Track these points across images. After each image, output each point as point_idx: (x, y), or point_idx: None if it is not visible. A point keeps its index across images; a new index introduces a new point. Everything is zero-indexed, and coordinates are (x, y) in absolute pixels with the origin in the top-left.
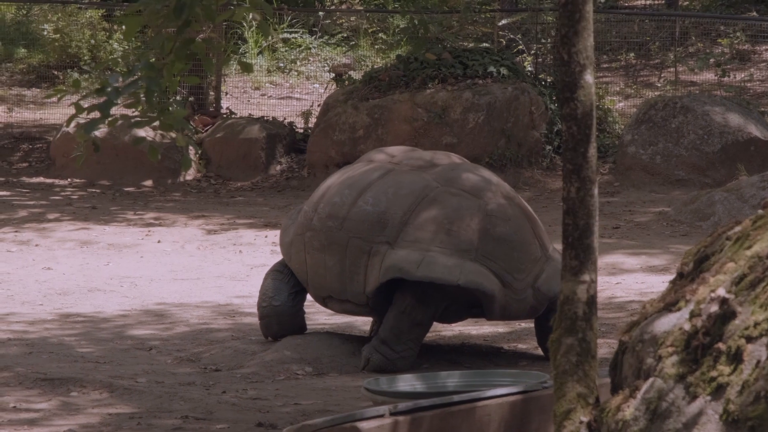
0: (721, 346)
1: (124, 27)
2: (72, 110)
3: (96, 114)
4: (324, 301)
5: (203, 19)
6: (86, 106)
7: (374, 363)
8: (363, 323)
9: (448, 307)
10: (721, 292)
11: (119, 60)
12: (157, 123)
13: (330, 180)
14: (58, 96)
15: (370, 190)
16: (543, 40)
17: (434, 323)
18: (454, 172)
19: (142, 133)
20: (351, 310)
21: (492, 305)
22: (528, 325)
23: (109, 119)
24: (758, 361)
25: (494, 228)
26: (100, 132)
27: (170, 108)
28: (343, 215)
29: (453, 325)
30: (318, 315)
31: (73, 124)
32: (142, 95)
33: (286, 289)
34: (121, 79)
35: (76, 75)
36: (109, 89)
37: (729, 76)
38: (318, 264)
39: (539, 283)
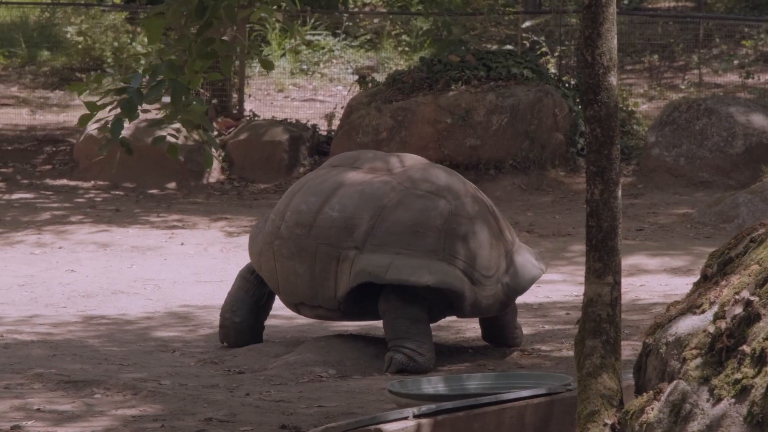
0: (746, 348)
1: (147, 32)
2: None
3: (117, 113)
4: (296, 307)
5: (225, 20)
6: (106, 106)
7: (396, 362)
8: None
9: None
10: (746, 294)
11: (141, 61)
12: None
13: (295, 187)
14: (80, 91)
15: (336, 196)
16: (566, 42)
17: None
18: (418, 173)
19: (163, 132)
20: (324, 316)
21: (462, 303)
22: (551, 327)
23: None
24: None
25: (459, 227)
26: (124, 134)
27: (191, 104)
28: (309, 222)
29: (476, 326)
30: None
31: (94, 126)
32: (163, 99)
33: (249, 303)
34: (144, 81)
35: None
36: (131, 90)
37: (753, 78)
38: (288, 272)
39: (508, 278)
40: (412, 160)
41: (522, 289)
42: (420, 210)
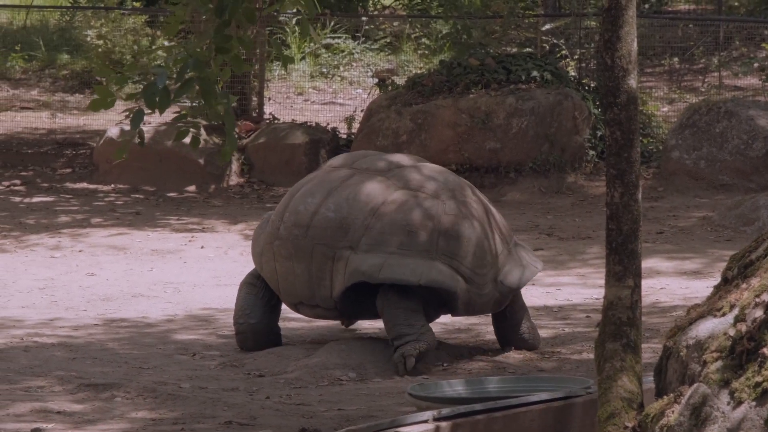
0: (766, 351)
1: (166, 26)
2: (116, 116)
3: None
4: (296, 307)
5: (244, 21)
6: (128, 107)
7: (407, 352)
8: None
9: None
10: (766, 297)
11: (160, 61)
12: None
13: (294, 188)
14: (113, 83)
15: (332, 197)
16: (586, 45)
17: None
18: (413, 173)
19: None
20: (322, 315)
21: (455, 302)
22: (572, 329)
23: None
24: None
25: (453, 226)
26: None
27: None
28: (306, 223)
29: None
30: (360, 321)
31: (116, 131)
32: (189, 101)
33: (260, 305)
34: (170, 81)
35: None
36: (155, 87)
37: None
38: (287, 272)
39: (502, 277)
40: (409, 160)
41: (517, 288)
42: (414, 209)
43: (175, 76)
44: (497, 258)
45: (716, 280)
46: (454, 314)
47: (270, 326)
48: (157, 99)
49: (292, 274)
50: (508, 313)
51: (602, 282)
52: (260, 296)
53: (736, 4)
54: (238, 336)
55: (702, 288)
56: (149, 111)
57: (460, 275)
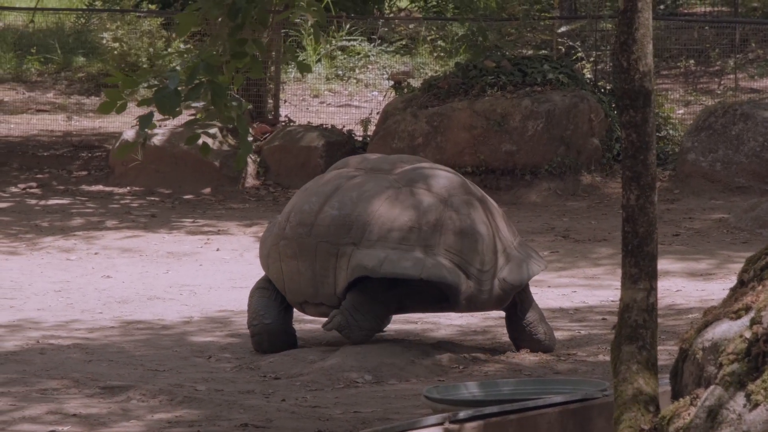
0: None
1: (179, 26)
2: (132, 119)
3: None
4: (301, 306)
5: (257, 24)
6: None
7: (336, 322)
8: (422, 330)
9: (414, 297)
10: None
11: (176, 64)
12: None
13: (301, 189)
14: (116, 98)
15: (336, 196)
16: (602, 47)
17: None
18: (416, 172)
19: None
20: (326, 313)
21: (457, 297)
22: (587, 331)
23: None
24: None
25: (456, 223)
26: (159, 140)
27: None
28: (311, 221)
29: None
30: None
31: (132, 133)
32: (199, 102)
33: (274, 306)
34: (183, 85)
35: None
36: (168, 89)
37: None
38: (292, 271)
39: (504, 274)
40: (412, 160)
41: (519, 285)
42: (416, 206)
43: (185, 79)
44: (500, 255)
45: (732, 282)
46: (455, 310)
47: (285, 326)
48: (167, 100)
49: (296, 272)
50: (520, 313)
51: (618, 284)
52: (273, 298)
53: (756, 5)
54: (254, 338)
55: (718, 290)
56: (163, 116)
57: (462, 271)
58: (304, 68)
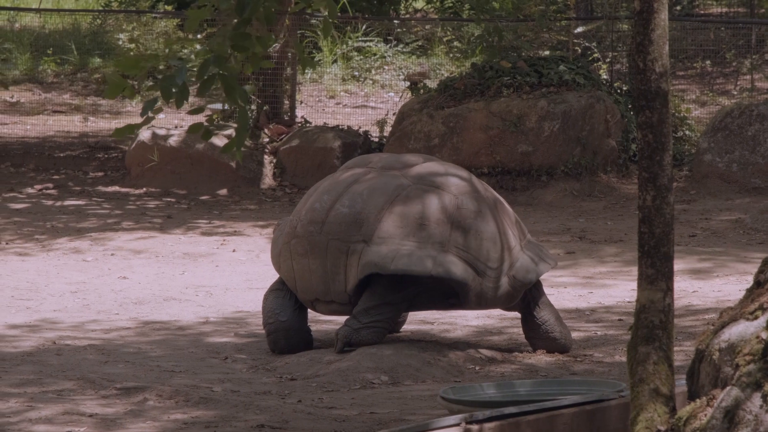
0: None
1: (188, 21)
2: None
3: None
4: (312, 304)
5: (264, 20)
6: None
7: (341, 335)
8: (439, 331)
9: (423, 295)
10: None
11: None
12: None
13: (312, 189)
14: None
15: (347, 194)
16: (618, 48)
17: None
18: (426, 170)
19: (218, 140)
20: (337, 311)
21: (467, 294)
22: (604, 332)
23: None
24: None
25: (465, 220)
26: (175, 141)
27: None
28: (322, 219)
29: None
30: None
31: (148, 134)
32: (217, 106)
33: (290, 305)
34: (193, 79)
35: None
36: (175, 82)
37: None
38: (303, 269)
39: (515, 271)
40: (423, 158)
41: (529, 282)
42: (426, 204)
43: (196, 71)
44: (509, 252)
45: (748, 283)
46: (464, 307)
47: (300, 324)
48: (175, 93)
49: (308, 270)
50: (534, 312)
51: (634, 285)
52: (288, 298)
53: None
54: (270, 337)
55: (734, 291)
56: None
57: (471, 268)
58: (309, 64)
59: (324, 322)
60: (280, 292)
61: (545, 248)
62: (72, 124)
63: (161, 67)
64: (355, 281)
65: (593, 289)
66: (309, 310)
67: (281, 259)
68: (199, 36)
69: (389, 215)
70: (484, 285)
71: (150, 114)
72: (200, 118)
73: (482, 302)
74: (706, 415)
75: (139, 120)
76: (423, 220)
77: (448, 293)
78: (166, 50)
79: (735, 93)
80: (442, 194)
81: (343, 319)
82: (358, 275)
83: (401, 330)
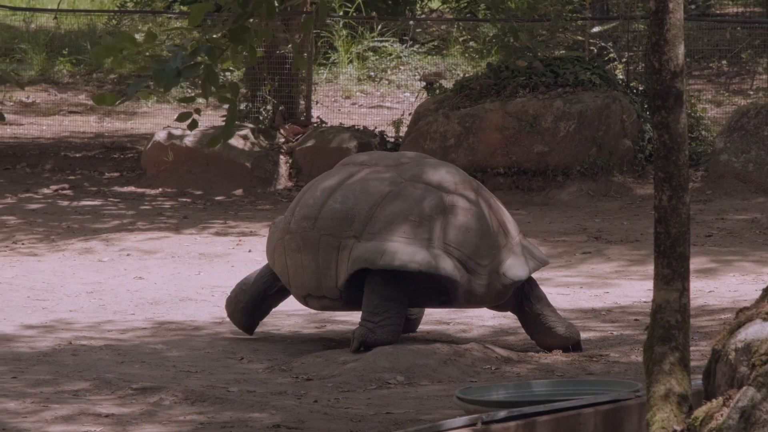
0: None
1: (191, 14)
2: (164, 120)
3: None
4: (305, 299)
5: (264, 15)
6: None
7: (357, 335)
8: (454, 331)
9: (419, 292)
10: None
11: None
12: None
13: (307, 185)
14: (111, 101)
15: (340, 190)
16: (634, 48)
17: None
18: (419, 168)
19: (234, 141)
20: (328, 306)
21: (456, 290)
22: (620, 332)
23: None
24: None
25: (456, 217)
26: (191, 141)
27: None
28: (315, 215)
29: None
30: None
31: (164, 134)
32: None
33: (257, 288)
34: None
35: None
36: (168, 65)
37: None
38: (296, 264)
39: (504, 269)
40: (417, 156)
41: (518, 280)
42: (417, 201)
43: (187, 56)
44: (500, 250)
45: (765, 283)
46: (454, 305)
47: (254, 311)
48: (165, 76)
49: (300, 266)
50: (528, 308)
51: (650, 285)
52: (264, 278)
53: None
54: (227, 301)
55: (751, 291)
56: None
57: (461, 264)
58: (302, 65)
59: (339, 322)
60: (265, 270)
61: (536, 247)
62: (87, 124)
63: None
64: (345, 276)
65: (609, 289)
66: (271, 304)
67: (275, 255)
68: (195, 33)
69: (381, 211)
70: (474, 282)
71: (191, 112)
72: (217, 116)
73: (471, 300)
74: (722, 415)
75: (157, 119)
76: (414, 217)
77: (440, 290)
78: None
79: (751, 93)
80: (433, 192)
81: (357, 318)
82: (349, 270)
83: (417, 330)
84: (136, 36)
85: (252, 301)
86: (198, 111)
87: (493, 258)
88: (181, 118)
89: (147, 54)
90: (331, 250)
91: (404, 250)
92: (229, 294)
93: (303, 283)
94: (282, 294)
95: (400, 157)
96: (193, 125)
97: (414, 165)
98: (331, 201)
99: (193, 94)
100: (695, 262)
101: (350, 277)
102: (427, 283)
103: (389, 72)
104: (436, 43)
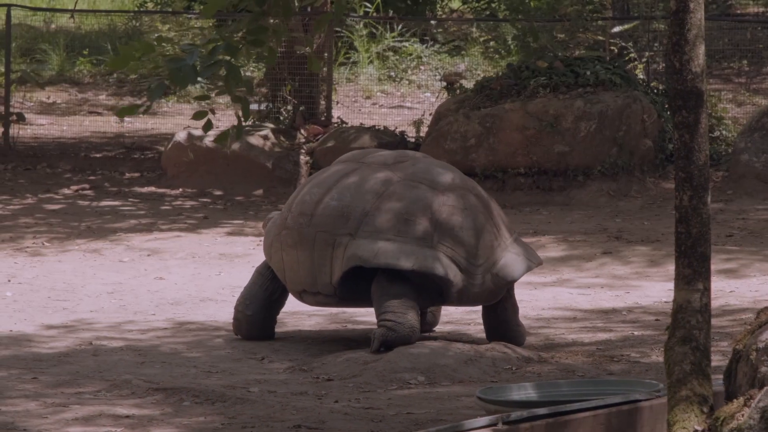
0: None
1: (205, 7)
2: (184, 120)
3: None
4: (300, 295)
5: (281, 12)
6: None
7: (377, 335)
8: (476, 332)
9: (422, 289)
10: None
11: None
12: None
13: (305, 181)
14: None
15: (337, 187)
16: (655, 48)
17: None
18: (416, 167)
19: (253, 139)
20: (323, 302)
21: (449, 289)
22: (641, 332)
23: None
24: None
25: (451, 217)
26: (211, 142)
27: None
28: (311, 212)
29: (565, 333)
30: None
31: (184, 135)
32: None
33: (261, 297)
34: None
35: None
36: (185, 63)
37: None
38: (292, 260)
39: (498, 269)
40: (415, 155)
41: (512, 280)
42: (413, 200)
43: (205, 55)
44: (494, 250)
45: None
46: (447, 303)
47: (264, 322)
48: (182, 74)
49: (296, 262)
50: (499, 310)
51: (671, 285)
52: (264, 287)
53: None
54: (234, 322)
55: None
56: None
57: (454, 264)
58: (315, 66)
59: (360, 322)
60: (260, 278)
61: (531, 247)
62: (108, 124)
63: (168, 53)
64: (340, 273)
65: (630, 289)
66: (281, 302)
67: (272, 250)
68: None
69: (376, 210)
70: (468, 282)
71: (207, 110)
72: (233, 115)
73: (465, 299)
74: (743, 415)
75: (177, 120)
76: (409, 216)
77: (435, 289)
78: (202, 50)
79: None
80: (429, 191)
81: (373, 318)
82: (343, 267)
83: (437, 330)
84: (155, 35)
85: (259, 313)
86: (212, 111)
87: (488, 257)
88: (197, 116)
89: (164, 53)
90: (327, 246)
91: (398, 249)
92: (233, 320)
93: (298, 279)
94: (285, 292)
95: (397, 156)
96: (208, 126)
97: (410, 164)
98: (328, 198)
99: (212, 94)
100: (716, 262)
101: (344, 274)
102: (425, 282)
103: (410, 72)
104: (456, 43)
